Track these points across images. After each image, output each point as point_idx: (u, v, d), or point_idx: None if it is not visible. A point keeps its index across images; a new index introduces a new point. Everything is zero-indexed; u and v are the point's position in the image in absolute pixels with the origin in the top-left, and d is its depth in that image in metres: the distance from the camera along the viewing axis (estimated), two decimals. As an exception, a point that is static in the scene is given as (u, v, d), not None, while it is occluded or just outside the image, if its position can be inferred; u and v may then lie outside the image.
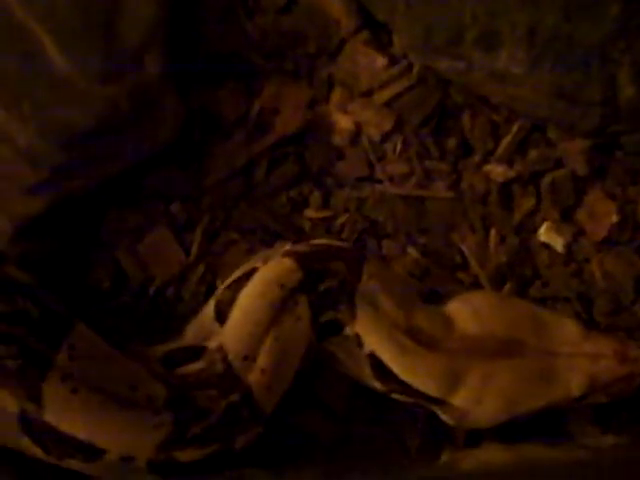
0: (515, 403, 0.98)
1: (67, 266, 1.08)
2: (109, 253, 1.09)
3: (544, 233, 1.14)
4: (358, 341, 0.99)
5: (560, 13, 1.08)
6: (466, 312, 1.00)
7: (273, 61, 1.14)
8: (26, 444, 0.93)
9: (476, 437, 1.04)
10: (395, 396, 1.02)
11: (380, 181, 1.14)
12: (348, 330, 0.99)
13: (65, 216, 1.07)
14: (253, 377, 0.96)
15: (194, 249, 1.10)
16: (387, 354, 0.98)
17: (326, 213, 1.13)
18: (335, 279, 0.98)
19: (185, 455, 0.94)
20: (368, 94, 1.15)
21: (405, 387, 0.99)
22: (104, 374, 0.93)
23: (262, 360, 0.96)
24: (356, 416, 1.07)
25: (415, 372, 0.98)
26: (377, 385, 1.01)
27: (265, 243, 1.10)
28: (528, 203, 1.14)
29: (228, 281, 1.02)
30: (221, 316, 0.99)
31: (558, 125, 1.14)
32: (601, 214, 1.14)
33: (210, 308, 1.01)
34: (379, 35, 1.16)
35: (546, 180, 1.15)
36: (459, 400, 0.98)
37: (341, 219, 1.13)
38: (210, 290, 1.08)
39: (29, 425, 0.92)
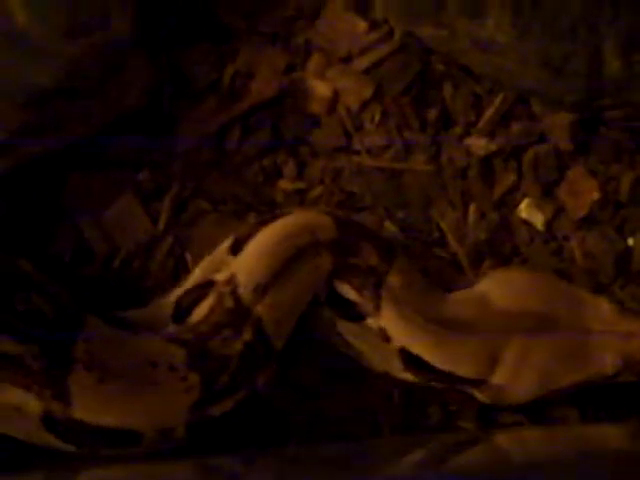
0: (551, 379, 0.98)
1: (26, 235, 1.04)
2: (72, 222, 1.05)
3: (524, 209, 1.12)
4: (384, 335, 0.97)
5: (548, -19, 1.06)
6: (500, 289, 1.00)
7: (248, 23, 1.11)
8: (54, 442, 0.92)
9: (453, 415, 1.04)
10: (431, 384, 1.01)
11: (357, 152, 1.11)
12: (371, 322, 0.97)
13: (24, 182, 1.03)
14: (262, 310, 0.94)
15: (162, 219, 1.07)
16: (421, 347, 0.97)
17: (300, 184, 1.10)
18: (365, 262, 0.97)
19: (218, 409, 0.94)
20: (347, 60, 1.13)
21: (443, 375, 0.98)
22: (123, 359, 0.92)
23: (273, 295, 0.94)
24: (330, 395, 1.04)
25: (453, 359, 0.97)
26: (409, 377, 1.00)
27: (236, 214, 1.07)
28: (509, 178, 1.13)
29: (254, 220, 1.01)
30: (237, 249, 0.97)
31: (543, 97, 1.12)
32: (583, 191, 1.13)
33: (226, 243, 0.98)
34: (360, -2, 1.13)
35: (528, 155, 1.13)
36: (497, 378, 0.98)
37: (316, 191, 1.10)
38: (179, 262, 1.05)
39: (54, 424, 0.90)
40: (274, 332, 0.95)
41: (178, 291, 0.98)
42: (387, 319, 0.96)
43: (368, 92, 1.11)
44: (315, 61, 1.12)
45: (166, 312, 0.97)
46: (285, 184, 1.10)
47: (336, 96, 1.11)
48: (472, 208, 1.11)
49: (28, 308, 0.91)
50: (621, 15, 1.07)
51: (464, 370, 0.97)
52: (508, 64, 1.09)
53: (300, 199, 1.09)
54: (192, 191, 1.08)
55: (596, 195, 1.12)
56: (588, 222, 1.12)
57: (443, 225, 1.10)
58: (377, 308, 0.96)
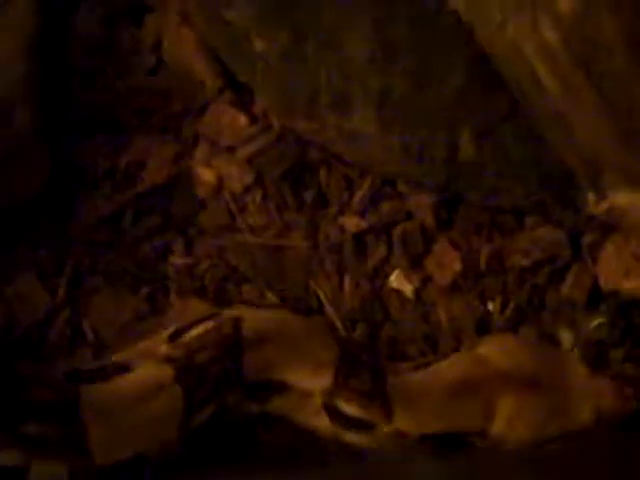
0: (541, 430, 1.07)
1: None
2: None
3: (395, 280, 1.19)
4: (400, 434, 1.04)
5: (409, 80, 1.16)
6: (499, 352, 1.09)
7: (141, 118, 1.20)
8: None
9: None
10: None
11: (241, 231, 1.18)
12: (384, 428, 1.04)
13: None
14: (252, 352, 1.00)
15: (60, 293, 1.13)
16: (436, 427, 1.04)
17: (189, 260, 1.17)
18: (366, 385, 1.03)
19: (194, 422, 0.99)
20: (231, 150, 1.21)
21: (455, 436, 1.05)
22: (122, 399, 0.97)
23: (270, 349, 1.00)
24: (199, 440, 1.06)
25: (462, 420, 1.05)
26: (426, 448, 1.07)
27: (130, 288, 1.14)
28: (380, 252, 1.19)
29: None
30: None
31: (407, 181, 1.21)
32: (447, 262, 1.20)
33: None
34: (242, 95, 1.22)
35: (397, 231, 1.20)
36: (496, 428, 1.06)
37: (203, 265, 1.17)
38: (76, 332, 1.11)
39: (78, 476, 0.96)
40: (252, 375, 1.00)
41: (180, 323, 1.03)
42: (402, 421, 1.03)
43: (250, 178, 1.19)
44: (202, 150, 1.20)
45: (162, 339, 1.01)
46: (175, 259, 1.17)
47: (221, 181, 1.19)
48: (347, 279, 1.18)
49: (30, 400, 0.96)
50: (475, 109, 1.16)
51: (470, 426, 1.05)
52: (374, 152, 1.17)
53: (189, 273, 1.16)
54: (89, 268, 1.14)
55: (459, 266, 1.19)
56: (452, 290, 1.18)
57: (321, 295, 1.17)
58: (389, 417, 1.03)
